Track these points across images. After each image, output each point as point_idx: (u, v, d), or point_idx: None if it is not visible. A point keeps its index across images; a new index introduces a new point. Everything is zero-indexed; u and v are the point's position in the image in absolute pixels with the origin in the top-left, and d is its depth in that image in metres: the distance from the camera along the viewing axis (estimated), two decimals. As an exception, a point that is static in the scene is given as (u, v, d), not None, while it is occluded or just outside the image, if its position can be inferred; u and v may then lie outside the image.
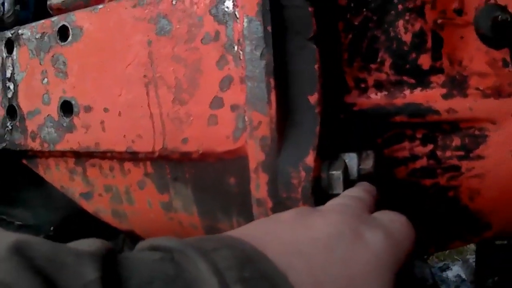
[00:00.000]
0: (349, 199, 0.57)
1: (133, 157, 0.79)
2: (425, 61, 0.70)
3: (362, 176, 0.67)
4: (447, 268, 1.50)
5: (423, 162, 0.72)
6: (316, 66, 0.64)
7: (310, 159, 0.64)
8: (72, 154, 0.87)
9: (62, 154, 0.88)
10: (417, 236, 0.53)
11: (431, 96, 0.70)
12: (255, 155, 0.66)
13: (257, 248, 0.40)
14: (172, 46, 0.73)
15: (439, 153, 0.72)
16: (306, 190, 0.64)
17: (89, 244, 0.37)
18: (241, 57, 0.67)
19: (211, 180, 0.74)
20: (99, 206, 0.88)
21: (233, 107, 0.69)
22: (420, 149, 0.72)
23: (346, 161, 0.67)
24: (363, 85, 0.72)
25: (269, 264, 0.39)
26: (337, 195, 0.65)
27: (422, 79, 0.70)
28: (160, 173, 0.78)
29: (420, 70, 0.70)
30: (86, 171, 0.87)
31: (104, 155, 0.83)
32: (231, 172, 0.72)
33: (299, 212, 0.51)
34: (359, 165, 0.68)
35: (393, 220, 0.52)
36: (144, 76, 0.75)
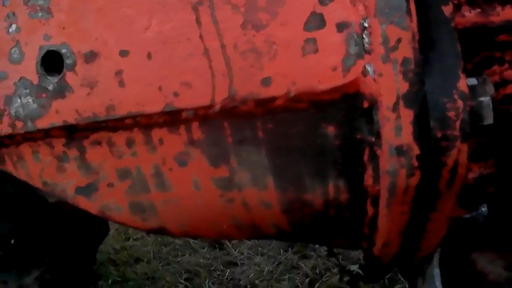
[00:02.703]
0: None
1: (172, 119, 0.55)
2: None
3: None
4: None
5: None
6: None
7: (463, 84, 0.50)
8: (62, 131, 0.59)
9: (46, 135, 0.60)
10: None
11: None
12: (394, 86, 0.48)
13: None
14: None
15: None
16: (465, 123, 0.50)
17: None
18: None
19: (299, 134, 0.53)
20: (108, 202, 0.62)
21: (341, 26, 0.50)
22: (510, 73, 0.63)
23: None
24: (456, 1, 0.60)
25: None
26: (487, 127, 0.51)
27: None
28: (216, 137, 0.55)
29: None
30: (86, 153, 0.60)
31: (118, 124, 0.57)
32: (330, 119, 0.53)
33: None
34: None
35: None
36: (191, -6, 0.52)
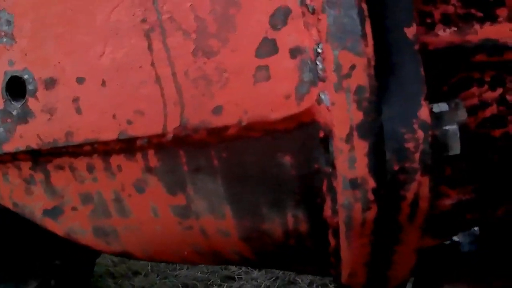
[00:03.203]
0: None
1: (127, 146, 0.55)
2: None
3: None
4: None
5: (493, 109, 0.61)
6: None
7: (425, 113, 0.47)
8: (28, 155, 0.60)
9: (13, 158, 0.61)
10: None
11: (502, 32, 0.59)
12: (347, 116, 0.45)
13: None
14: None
15: (508, 97, 0.61)
16: (426, 155, 0.47)
17: None
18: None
19: (255, 163, 0.52)
20: (73, 225, 0.62)
21: (294, 51, 0.48)
22: (489, 94, 0.60)
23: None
24: (429, 20, 0.58)
25: None
26: (453, 157, 0.48)
27: (489, 12, 0.59)
28: (172, 165, 0.54)
29: (486, 2, 0.59)
30: (50, 177, 0.60)
31: (78, 150, 0.57)
32: (286, 148, 0.51)
33: None
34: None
35: None
36: (143, 21, 0.51)
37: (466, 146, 0.54)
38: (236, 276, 1.71)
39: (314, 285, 1.49)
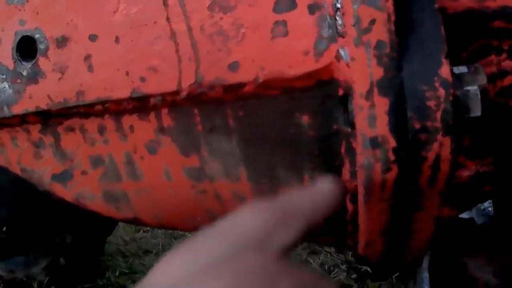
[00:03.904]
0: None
1: (140, 105, 0.53)
2: None
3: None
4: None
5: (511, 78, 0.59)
6: None
7: (446, 71, 0.45)
8: (37, 117, 0.59)
9: (22, 120, 0.59)
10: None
11: None
12: (367, 71, 0.44)
13: None
14: None
15: None
16: (447, 114, 0.45)
17: None
18: None
19: (272, 123, 0.50)
20: (82, 190, 0.61)
21: (313, 7, 0.46)
22: (508, 63, 0.59)
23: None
24: None
25: None
26: (474, 119, 0.47)
27: None
28: (185, 124, 0.53)
29: None
30: (60, 139, 0.59)
31: (89, 110, 0.56)
32: (304, 107, 0.49)
33: None
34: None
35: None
36: (158, -25, 0.50)
37: (486, 112, 0.52)
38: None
39: (326, 266, 1.48)
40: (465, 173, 0.58)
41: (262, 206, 0.41)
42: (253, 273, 0.33)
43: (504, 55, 0.58)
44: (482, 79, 0.52)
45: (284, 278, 0.33)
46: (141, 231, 1.74)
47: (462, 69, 0.51)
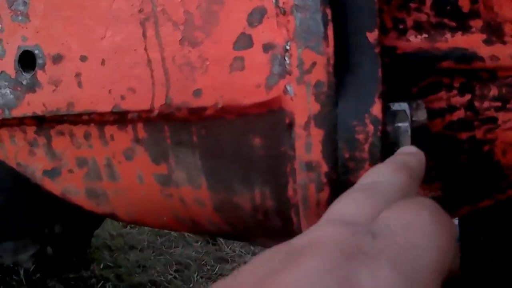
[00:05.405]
0: (382, 186, 0.41)
1: (120, 118, 0.62)
2: (464, 3, 0.65)
3: (416, 129, 0.58)
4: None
5: (460, 113, 0.66)
6: (375, -2, 0.53)
7: (377, 109, 0.53)
8: (33, 120, 0.68)
9: (20, 122, 0.69)
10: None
11: (473, 42, 0.64)
12: (306, 106, 0.52)
13: None
14: (178, -29, 0.57)
15: (476, 103, 0.66)
16: (374, 147, 0.53)
17: None
18: (278, -17, 0.54)
19: (228, 142, 0.59)
20: (68, 186, 0.70)
21: (267, 47, 0.55)
22: (457, 100, 0.65)
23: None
24: (401, 26, 0.63)
25: None
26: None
27: (462, 23, 0.64)
28: (157, 137, 0.62)
29: (460, 13, 0.64)
30: (52, 141, 0.68)
31: (77, 119, 0.65)
32: (257, 131, 0.58)
33: (261, 268, 0.33)
34: (411, 116, 0.59)
35: (410, 228, 0.35)
36: (140, 11, 0.58)
37: (428, 144, 0.60)
38: (229, 259, 1.78)
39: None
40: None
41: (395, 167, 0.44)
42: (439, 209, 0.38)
43: (454, 92, 0.65)
44: (422, 115, 0.60)
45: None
46: (128, 227, 1.82)
47: (403, 105, 0.59)
